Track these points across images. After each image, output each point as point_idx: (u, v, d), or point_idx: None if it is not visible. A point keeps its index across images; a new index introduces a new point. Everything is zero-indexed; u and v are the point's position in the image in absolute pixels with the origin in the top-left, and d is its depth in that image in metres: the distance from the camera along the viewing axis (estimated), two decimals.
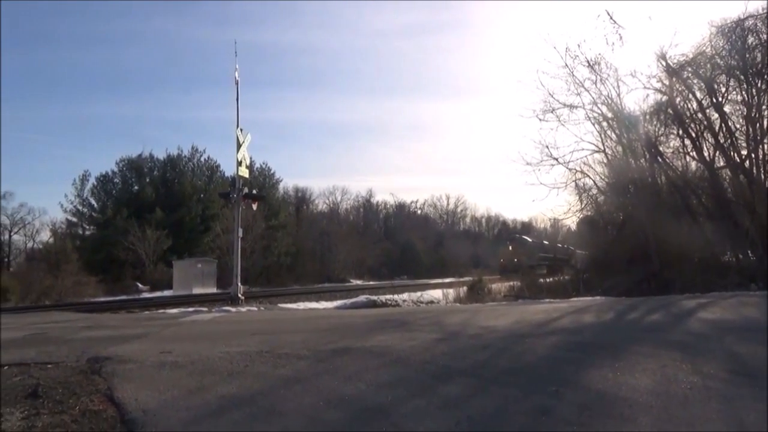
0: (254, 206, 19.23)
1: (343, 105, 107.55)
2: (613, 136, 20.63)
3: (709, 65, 18.49)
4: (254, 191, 18.89)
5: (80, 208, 43.13)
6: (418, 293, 24.92)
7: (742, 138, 18.92)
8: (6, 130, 71.70)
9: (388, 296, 20.96)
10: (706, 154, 19.44)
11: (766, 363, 5.01)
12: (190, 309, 14.44)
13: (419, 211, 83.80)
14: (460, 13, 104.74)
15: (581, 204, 22.75)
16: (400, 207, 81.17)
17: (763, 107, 18.23)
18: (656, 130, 20.58)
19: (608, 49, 18.24)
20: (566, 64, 19.19)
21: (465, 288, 24.25)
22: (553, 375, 4.69)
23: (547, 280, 27.04)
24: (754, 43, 17.75)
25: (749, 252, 18.37)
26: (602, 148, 20.79)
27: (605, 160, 21.36)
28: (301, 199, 64.95)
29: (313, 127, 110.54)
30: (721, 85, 18.95)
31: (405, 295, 22.73)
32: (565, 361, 5.25)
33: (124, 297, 26.12)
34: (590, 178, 21.81)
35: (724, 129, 18.87)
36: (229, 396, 4.11)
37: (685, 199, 19.82)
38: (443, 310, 13.09)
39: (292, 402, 3.96)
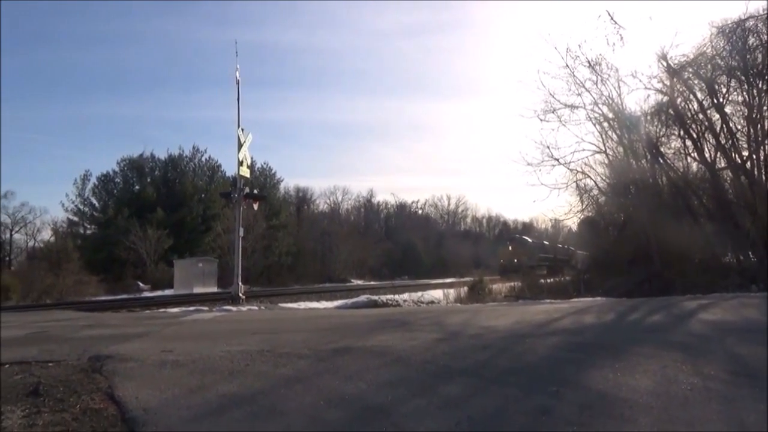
0: (255, 206, 19.23)
1: (344, 105, 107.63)
2: (614, 136, 20.67)
3: (709, 66, 18.50)
4: (255, 191, 18.91)
5: (81, 207, 43.23)
6: (419, 293, 24.93)
7: (743, 139, 18.96)
8: (7, 129, 71.78)
9: (389, 296, 20.98)
10: (707, 155, 19.45)
11: (766, 364, 5.00)
12: (191, 308, 14.45)
13: (420, 212, 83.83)
14: (461, 13, 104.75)
15: (582, 205, 22.80)
16: (401, 207, 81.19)
17: (764, 108, 18.25)
18: (657, 130, 20.60)
19: (609, 50, 18.26)
20: (567, 65, 19.25)
21: (466, 288, 24.23)
22: (553, 375, 4.69)
23: (548, 280, 27.03)
24: (754, 44, 17.77)
25: (750, 253, 18.39)
26: (603, 148, 20.84)
27: (606, 161, 21.42)
28: (302, 199, 64.99)
29: (314, 127, 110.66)
30: (722, 86, 18.97)
31: (406, 295, 22.74)
32: (566, 362, 5.25)
33: (125, 296, 26.14)
34: (591, 178, 21.88)
35: (725, 130, 18.88)
36: (229, 395, 4.11)
37: (686, 200, 19.82)
38: (444, 311, 13.09)
39: (293, 401, 3.96)
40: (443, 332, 7.23)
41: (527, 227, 76.19)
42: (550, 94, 19.60)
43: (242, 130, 16.86)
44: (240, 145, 16.71)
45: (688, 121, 19.54)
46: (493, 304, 15.89)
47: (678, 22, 34.98)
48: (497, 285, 26.68)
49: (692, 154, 20.29)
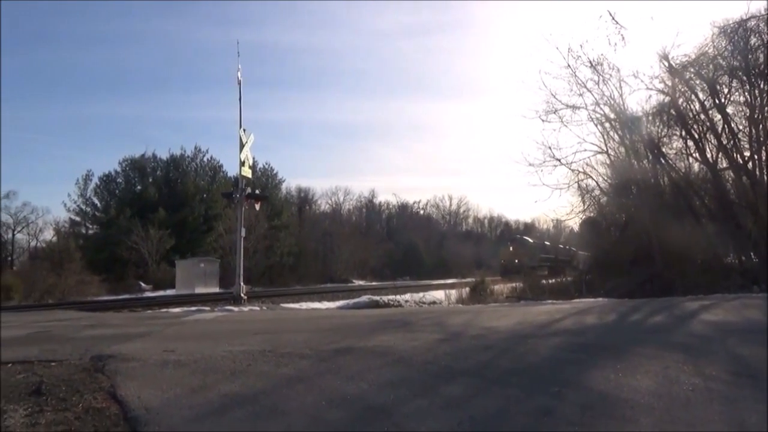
0: (257, 206, 19.23)
1: (346, 105, 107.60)
2: (616, 137, 20.66)
3: (711, 66, 18.48)
4: (257, 191, 18.83)
5: (83, 207, 43.25)
6: (421, 294, 24.92)
7: (744, 139, 18.93)
8: (10, 130, 71.72)
9: (391, 297, 20.98)
10: (708, 155, 19.43)
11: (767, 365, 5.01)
12: (193, 308, 14.48)
13: (422, 212, 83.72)
14: (462, 14, 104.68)
15: (584, 205, 22.78)
16: (403, 207, 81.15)
17: (766, 108, 18.22)
18: (659, 131, 20.58)
19: (611, 50, 18.34)
20: (569, 65, 19.25)
21: (467, 289, 24.20)
22: (555, 376, 4.70)
23: (550, 281, 27.01)
24: (756, 44, 17.74)
25: (752, 254, 18.35)
26: (605, 149, 20.83)
27: (608, 161, 21.41)
28: (304, 199, 65.01)
29: (316, 127, 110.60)
30: (724, 86, 18.95)
31: (407, 296, 22.74)
32: (568, 362, 5.25)
33: (127, 296, 26.16)
34: (593, 179, 21.87)
35: (727, 130, 18.85)
36: (231, 395, 4.12)
37: (688, 200, 19.80)
38: (445, 311, 13.10)
39: (295, 401, 3.97)
40: (445, 333, 7.24)
41: (529, 228, 76.10)
42: (552, 95, 19.63)
43: (244, 130, 16.88)
44: (242, 146, 16.71)
45: (690, 122, 19.52)
46: (495, 304, 15.88)
47: (679, 22, 34.82)
48: (499, 286, 26.66)
49: (694, 155, 20.28)
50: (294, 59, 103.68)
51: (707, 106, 19.17)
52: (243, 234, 17.37)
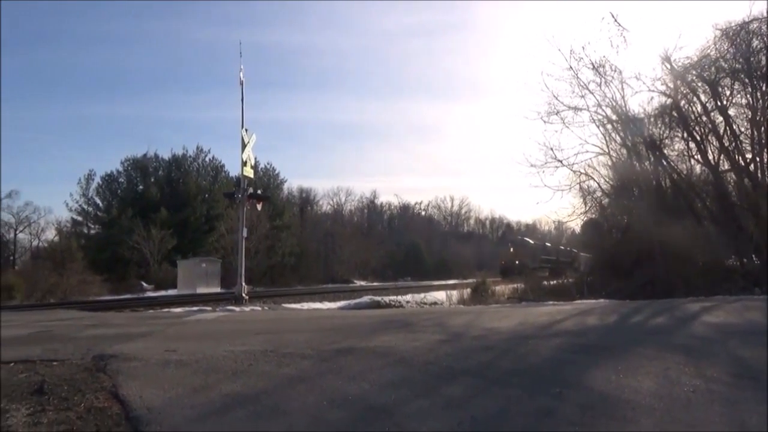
0: (259, 206, 19.24)
1: (348, 106, 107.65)
2: (618, 138, 20.66)
3: (713, 68, 18.47)
4: (259, 191, 18.87)
5: (85, 207, 43.24)
6: (422, 294, 24.90)
7: (746, 141, 18.93)
8: (13, 129, 71.89)
9: (392, 297, 20.94)
10: (710, 157, 19.43)
11: None
12: (195, 308, 14.48)
13: (423, 213, 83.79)
14: (465, 15, 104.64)
15: (585, 206, 22.81)
16: (405, 208, 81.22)
17: None
18: (661, 132, 20.58)
19: (613, 52, 18.30)
20: (571, 67, 19.26)
21: (468, 290, 24.21)
22: (556, 376, 4.70)
23: (551, 282, 27.01)
24: (758, 47, 17.73)
25: (753, 256, 18.34)
26: (607, 150, 20.83)
27: (609, 163, 21.42)
28: (306, 199, 65.05)
29: (318, 127, 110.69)
30: (726, 88, 18.95)
31: (408, 297, 22.73)
32: (569, 363, 5.26)
33: (128, 296, 26.18)
34: (594, 180, 21.89)
35: (729, 132, 18.85)
36: (233, 394, 4.13)
37: (690, 202, 19.80)
38: (447, 312, 13.11)
39: (296, 401, 3.98)
40: (446, 333, 7.24)
41: (530, 229, 76.19)
42: (554, 96, 19.64)
43: (246, 130, 16.88)
44: (244, 146, 16.73)
45: (692, 124, 19.51)
46: (496, 305, 15.89)
47: (681, 25, 34.90)
48: (500, 287, 26.68)
49: (696, 157, 20.29)
50: (296, 60, 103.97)
51: (709, 108, 19.17)
52: (245, 234, 17.37)
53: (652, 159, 19.89)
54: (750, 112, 18.52)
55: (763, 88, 18.13)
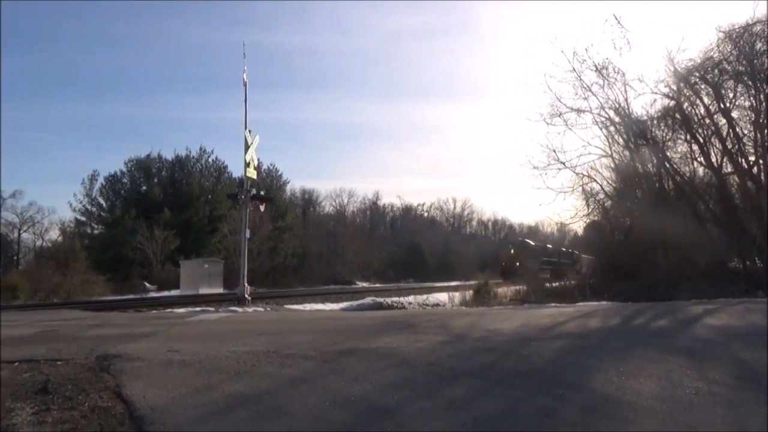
0: (261, 207, 19.28)
1: (351, 107, 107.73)
2: (621, 140, 20.66)
3: (716, 70, 18.46)
4: (262, 192, 18.90)
5: (89, 207, 43.33)
6: (424, 296, 24.89)
7: (749, 144, 18.90)
8: (16, 129, 72.14)
9: (394, 299, 20.95)
10: (713, 159, 19.41)
11: None
12: (197, 309, 14.50)
13: (426, 214, 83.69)
14: (467, 16, 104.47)
15: (588, 208, 22.78)
16: (407, 210, 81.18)
17: None
18: (664, 135, 20.58)
19: (616, 54, 18.35)
20: (574, 68, 19.27)
21: (471, 291, 24.22)
22: (558, 378, 4.71)
23: (553, 284, 26.99)
24: (762, 49, 17.72)
25: (756, 258, 18.32)
26: (609, 152, 20.84)
27: (612, 165, 21.40)
28: (308, 200, 65.08)
29: (321, 128, 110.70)
30: (729, 91, 18.93)
31: (411, 298, 22.73)
32: (571, 365, 5.27)
33: (131, 296, 26.25)
34: (597, 182, 21.86)
35: (732, 135, 18.84)
36: (236, 395, 4.14)
37: (693, 204, 19.77)
38: (449, 313, 13.10)
39: (299, 402, 3.99)
40: (448, 335, 7.25)
41: (533, 231, 76.24)
42: (557, 98, 19.65)
43: (249, 131, 16.92)
44: (247, 147, 16.76)
45: (695, 126, 19.51)
46: (499, 307, 15.89)
47: (685, 27, 34.87)
48: (502, 288, 26.67)
49: (699, 159, 20.28)
50: (299, 61, 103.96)
51: (712, 110, 19.15)
52: (247, 235, 17.39)
53: (655, 161, 19.89)
54: (753, 115, 18.50)
55: (767, 91, 18.11)
